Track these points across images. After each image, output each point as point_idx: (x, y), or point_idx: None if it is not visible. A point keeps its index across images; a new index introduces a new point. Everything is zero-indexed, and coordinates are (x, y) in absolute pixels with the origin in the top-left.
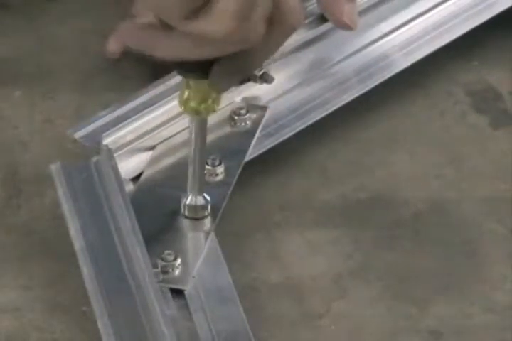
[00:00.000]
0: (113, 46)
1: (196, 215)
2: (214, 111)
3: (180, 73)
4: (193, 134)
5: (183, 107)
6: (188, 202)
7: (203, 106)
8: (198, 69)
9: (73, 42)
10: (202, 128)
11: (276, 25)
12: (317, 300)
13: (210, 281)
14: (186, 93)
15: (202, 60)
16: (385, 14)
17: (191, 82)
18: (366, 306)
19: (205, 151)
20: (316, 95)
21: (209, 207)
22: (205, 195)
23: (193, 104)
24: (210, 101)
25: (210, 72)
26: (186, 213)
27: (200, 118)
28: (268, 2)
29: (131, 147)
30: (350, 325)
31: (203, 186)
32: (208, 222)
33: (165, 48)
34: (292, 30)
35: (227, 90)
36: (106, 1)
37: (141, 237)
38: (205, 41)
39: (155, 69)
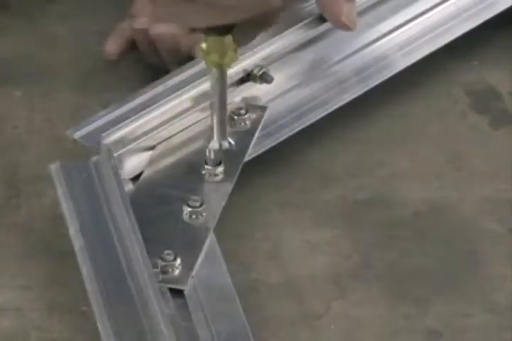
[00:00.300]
0: (110, 47)
1: (218, 160)
2: (231, 65)
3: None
4: (213, 84)
5: (204, 59)
6: (212, 146)
7: (223, 59)
8: (222, 30)
9: (73, 42)
10: (223, 78)
11: None
12: (317, 300)
13: (210, 281)
14: (205, 46)
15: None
16: (384, 14)
17: (210, 37)
18: (366, 306)
19: (226, 100)
20: (316, 95)
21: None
22: (230, 139)
23: (213, 56)
24: (228, 55)
25: (234, 31)
26: (212, 157)
27: (220, 70)
28: None
29: (130, 147)
30: (349, 325)
31: (225, 131)
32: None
33: (193, 20)
34: None
35: (243, 45)
36: (106, 1)
37: (140, 237)
38: (228, 9)
39: (154, 70)
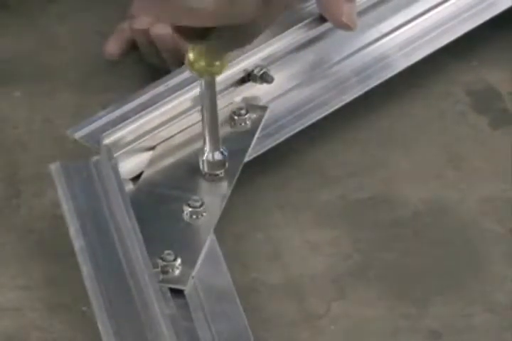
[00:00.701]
0: (111, 47)
1: (214, 171)
2: (219, 73)
3: (182, 37)
4: (203, 93)
5: (190, 68)
6: (205, 157)
7: (209, 68)
8: (197, 34)
9: (73, 42)
10: (211, 88)
11: (273, 2)
12: (317, 300)
13: (210, 281)
14: (191, 55)
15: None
16: (384, 14)
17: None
18: (366, 306)
19: (216, 109)
20: (316, 95)
21: (226, 163)
22: (223, 150)
23: (199, 65)
24: (217, 63)
25: (208, 38)
26: (206, 169)
27: (208, 78)
28: None
29: (131, 147)
30: (349, 325)
31: (218, 141)
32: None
33: (166, 15)
34: (288, 7)
35: (222, 56)
36: (106, 1)
37: (141, 237)
38: (196, 12)
39: (154, 70)
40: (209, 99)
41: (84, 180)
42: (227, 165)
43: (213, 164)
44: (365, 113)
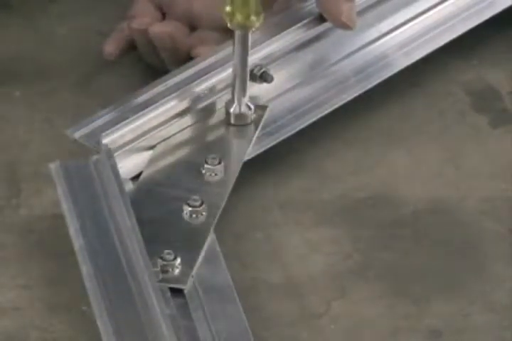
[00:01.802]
0: (110, 47)
1: (241, 122)
2: (257, 25)
3: None
4: (236, 46)
5: (227, 22)
6: (232, 110)
7: (247, 21)
8: None
9: (73, 42)
10: (245, 41)
11: None
12: (317, 299)
13: (210, 281)
14: (229, 8)
15: None
16: (384, 14)
17: None
18: (366, 305)
19: (247, 61)
20: (316, 95)
21: (253, 114)
22: (249, 103)
23: (239, 18)
24: (253, 17)
25: None
26: (233, 121)
27: (242, 32)
28: None
29: (130, 146)
30: (349, 325)
31: (246, 93)
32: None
33: None
34: None
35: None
36: (106, 0)
37: (140, 237)
38: None
39: (154, 70)
40: (241, 53)
41: (84, 180)
42: (252, 117)
43: (240, 116)
44: (365, 112)
